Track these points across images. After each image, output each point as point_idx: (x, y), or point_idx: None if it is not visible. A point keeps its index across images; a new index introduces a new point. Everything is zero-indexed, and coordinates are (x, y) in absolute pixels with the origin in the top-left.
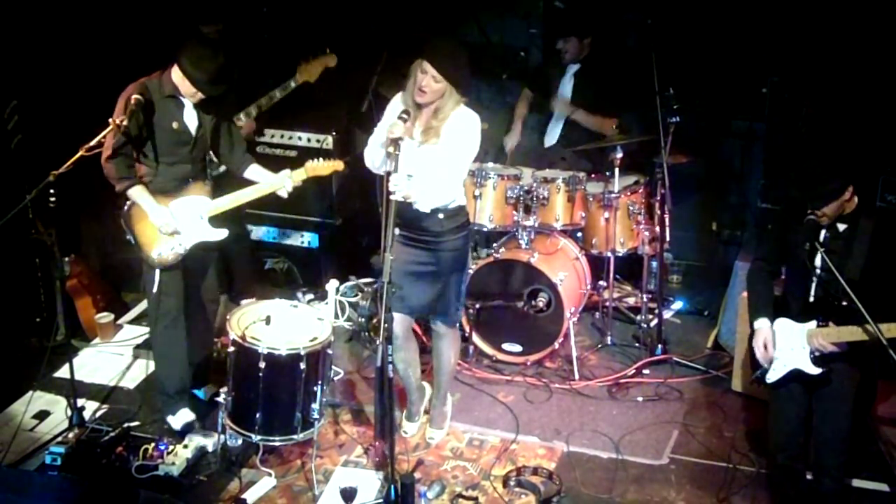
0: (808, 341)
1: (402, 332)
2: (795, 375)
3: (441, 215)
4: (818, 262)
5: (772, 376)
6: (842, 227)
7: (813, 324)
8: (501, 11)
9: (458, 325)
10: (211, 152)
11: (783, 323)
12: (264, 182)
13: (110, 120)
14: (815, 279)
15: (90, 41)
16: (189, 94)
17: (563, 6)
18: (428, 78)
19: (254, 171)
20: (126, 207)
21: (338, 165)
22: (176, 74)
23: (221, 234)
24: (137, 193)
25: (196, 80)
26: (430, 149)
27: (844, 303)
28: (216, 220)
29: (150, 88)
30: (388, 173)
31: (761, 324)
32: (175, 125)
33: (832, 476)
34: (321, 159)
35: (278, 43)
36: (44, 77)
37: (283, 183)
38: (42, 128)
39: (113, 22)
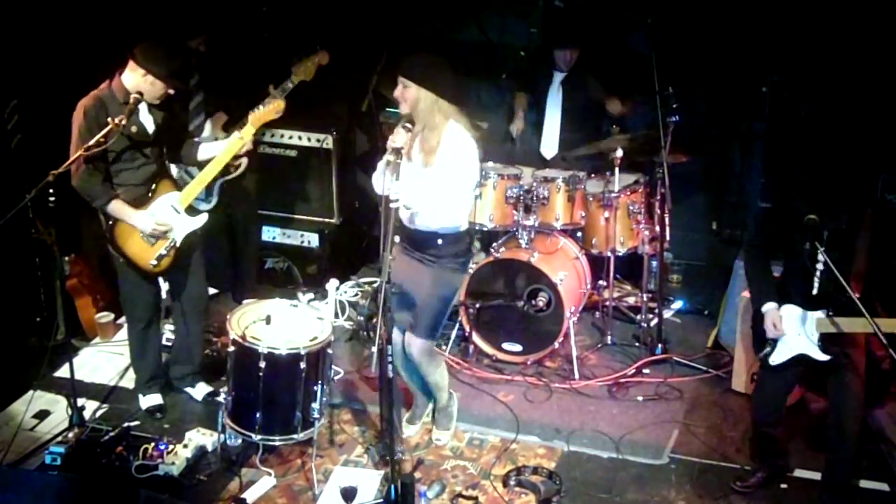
0: (816, 329)
1: (398, 340)
2: (798, 360)
3: (440, 240)
4: (820, 257)
5: (776, 358)
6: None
7: (821, 313)
8: (501, 11)
9: (430, 347)
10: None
11: (790, 309)
12: (220, 152)
13: (109, 119)
14: (817, 275)
15: (90, 42)
16: (154, 95)
17: (563, 5)
18: (400, 87)
19: (206, 148)
20: (108, 232)
21: (279, 106)
22: (129, 79)
23: (202, 220)
24: (117, 208)
25: (163, 77)
26: (430, 172)
27: (849, 295)
28: (192, 209)
29: (105, 99)
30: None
31: (768, 307)
32: (134, 129)
33: (847, 447)
34: (261, 107)
35: (276, 43)
36: (44, 77)
37: (237, 143)
38: (42, 128)
39: (112, 22)
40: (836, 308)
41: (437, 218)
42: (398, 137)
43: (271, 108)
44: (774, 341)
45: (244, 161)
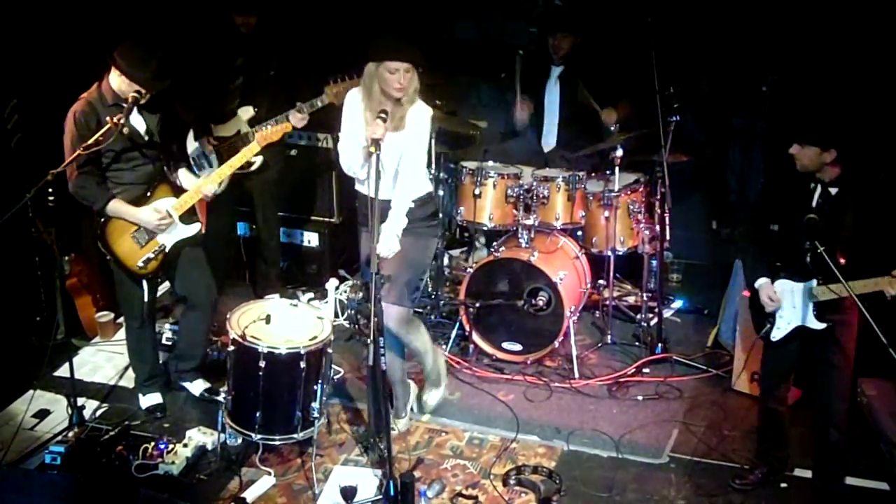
0: (810, 298)
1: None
2: (797, 333)
3: (412, 204)
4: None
5: (776, 335)
6: (833, 190)
7: (813, 282)
8: (500, 10)
9: (407, 315)
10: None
11: (783, 283)
12: (192, 188)
13: (108, 119)
14: (808, 246)
15: (90, 40)
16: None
17: (562, 4)
18: (401, 73)
19: (183, 176)
20: (100, 229)
21: (287, 128)
22: (114, 81)
23: (195, 228)
24: (116, 207)
25: (140, 80)
26: (394, 136)
27: (842, 261)
28: (186, 216)
29: (94, 103)
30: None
31: (761, 282)
32: (126, 130)
33: (837, 426)
34: (269, 126)
35: (315, 42)
36: (44, 77)
37: (202, 192)
38: (42, 127)
39: (115, 19)
40: (826, 276)
41: (404, 185)
42: (378, 129)
43: (280, 128)
44: (773, 318)
45: (259, 159)
